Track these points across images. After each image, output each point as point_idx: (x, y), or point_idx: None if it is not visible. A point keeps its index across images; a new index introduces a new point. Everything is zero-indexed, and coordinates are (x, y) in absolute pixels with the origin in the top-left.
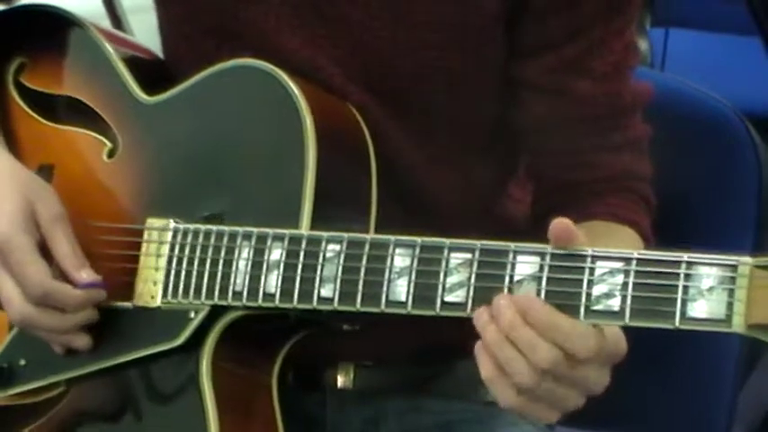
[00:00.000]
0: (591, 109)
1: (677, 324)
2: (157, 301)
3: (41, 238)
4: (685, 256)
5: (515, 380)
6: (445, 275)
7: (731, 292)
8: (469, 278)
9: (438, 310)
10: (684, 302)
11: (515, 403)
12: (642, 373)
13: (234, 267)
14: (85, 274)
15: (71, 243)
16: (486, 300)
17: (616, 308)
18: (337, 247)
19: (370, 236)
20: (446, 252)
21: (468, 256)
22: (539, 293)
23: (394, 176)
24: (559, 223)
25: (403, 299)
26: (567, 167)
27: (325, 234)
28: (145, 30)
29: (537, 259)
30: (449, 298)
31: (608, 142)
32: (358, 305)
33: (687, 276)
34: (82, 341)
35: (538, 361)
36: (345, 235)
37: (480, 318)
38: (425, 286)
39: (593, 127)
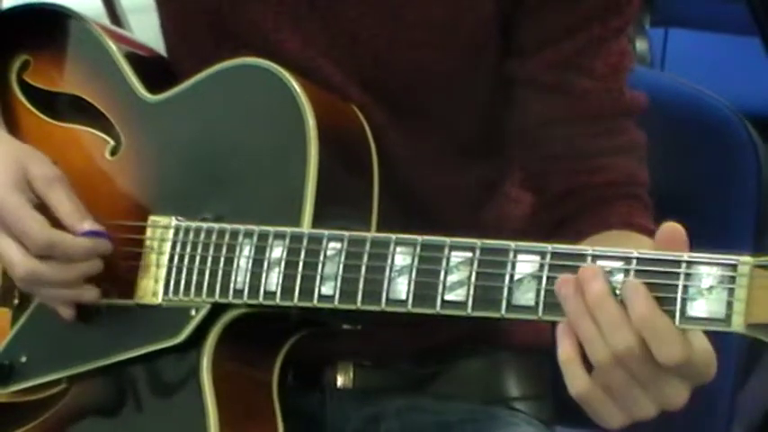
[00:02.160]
0: (592, 107)
1: (677, 323)
2: (159, 299)
3: (38, 200)
4: (685, 256)
5: (591, 358)
6: (446, 274)
7: (731, 292)
8: (470, 277)
9: (438, 308)
10: (684, 302)
11: (587, 391)
12: None
13: (235, 265)
14: (88, 225)
15: (72, 200)
16: (487, 299)
17: None
18: (338, 246)
19: (371, 234)
20: (447, 250)
21: (469, 254)
22: (539, 293)
23: (393, 176)
24: (670, 228)
25: (403, 297)
26: (573, 172)
27: (326, 232)
28: (145, 30)
29: (537, 258)
30: (449, 296)
31: (612, 144)
32: (358, 303)
33: (687, 276)
34: (90, 294)
35: (616, 342)
36: (346, 233)
37: (565, 287)
38: (426, 285)
39: (596, 127)
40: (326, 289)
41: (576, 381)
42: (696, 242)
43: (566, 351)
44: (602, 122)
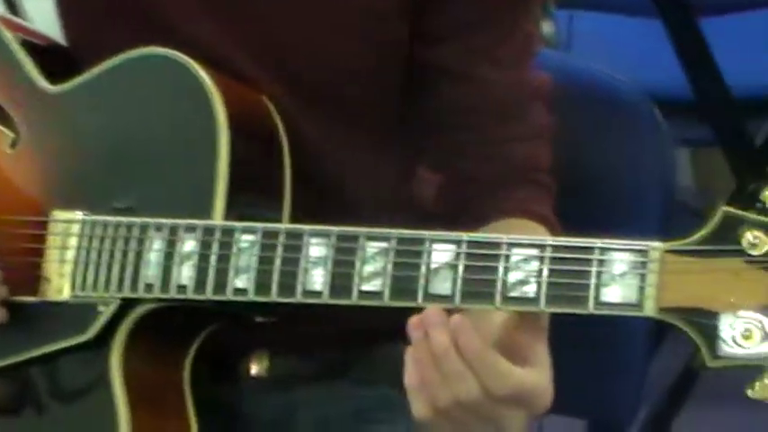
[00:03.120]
0: (498, 96)
1: (591, 309)
2: (65, 295)
3: None
4: (598, 243)
5: (434, 403)
6: (362, 264)
7: (642, 277)
8: (386, 267)
9: (355, 299)
10: (598, 288)
11: (427, 419)
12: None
13: (145, 259)
14: None
15: None
16: (403, 289)
17: (532, 294)
18: (252, 238)
19: (286, 225)
20: (362, 241)
21: (385, 244)
22: (455, 282)
23: (306, 165)
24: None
25: (319, 288)
26: (475, 158)
27: (239, 224)
28: (43, 16)
29: (453, 247)
30: (366, 287)
31: (515, 131)
32: (274, 296)
33: (600, 262)
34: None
35: (459, 393)
36: (260, 225)
37: (415, 330)
38: (342, 276)
39: (500, 116)
40: (241, 282)
41: (419, 409)
42: (605, 227)
43: (411, 380)
44: (507, 110)
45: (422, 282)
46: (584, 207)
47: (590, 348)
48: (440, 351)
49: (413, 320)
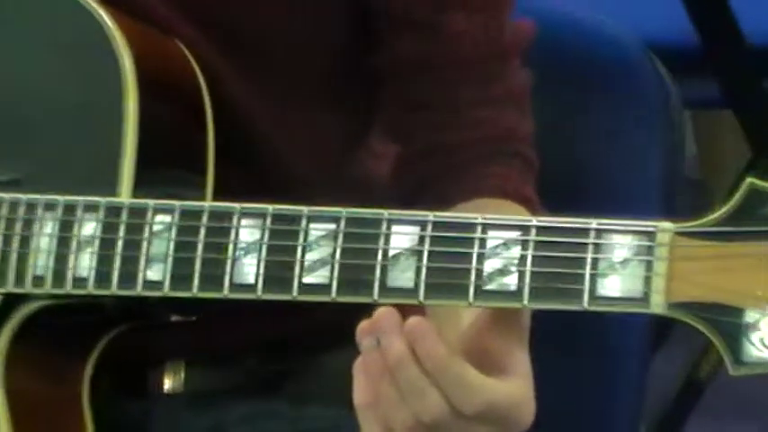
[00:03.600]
0: (465, 50)
1: (586, 305)
2: None
3: None
4: (594, 223)
5: (389, 424)
6: (304, 251)
7: (649, 265)
8: (334, 254)
9: (296, 293)
10: (594, 278)
11: None
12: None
13: (34, 246)
14: None
15: None
16: (355, 281)
17: (513, 287)
18: (168, 219)
19: (209, 203)
20: (304, 222)
21: (332, 226)
22: (419, 272)
23: (232, 131)
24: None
25: (252, 281)
26: (441, 126)
27: (151, 202)
28: None
29: (416, 229)
30: (309, 279)
31: (487, 95)
32: (195, 290)
33: (596, 247)
34: None
35: (421, 412)
36: (177, 203)
37: (365, 337)
38: (280, 265)
39: (470, 74)
40: (154, 273)
41: (374, 429)
42: (598, 206)
43: (362, 394)
44: (475, 68)
45: (378, 272)
46: (574, 181)
47: (580, 354)
48: (395, 361)
49: (362, 326)
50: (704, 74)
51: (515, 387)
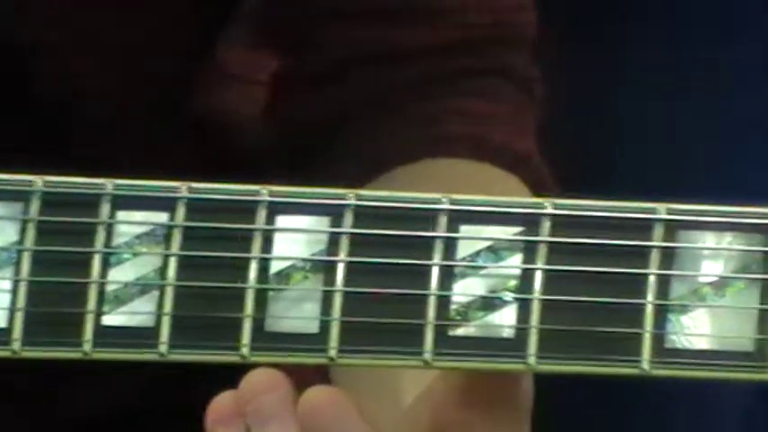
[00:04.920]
0: None
1: (646, 366)
2: None
3: None
4: (663, 210)
5: None
6: (106, 265)
7: (766, 290)
8: (163, 271)
9: (88, 349)
10: (662, 315)
11: None
12: None
13: None
14: None
15: None
16: (196, 327)
17: (507, 332)
18: None
19: None
20: (106, 209)
21: (164, 216)
22: (327, 302)
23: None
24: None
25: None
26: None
27: None
28: None
29: (321, 221)
30: (112, 319)
31: None
32: None
33: (666, 257)
34: None
35: None
36: None
37: (221, 424)
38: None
39: None
40: None
41: None
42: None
43: None
44: None
45: (248, 305)
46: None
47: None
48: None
49: (218, 402)
50: None
51: None
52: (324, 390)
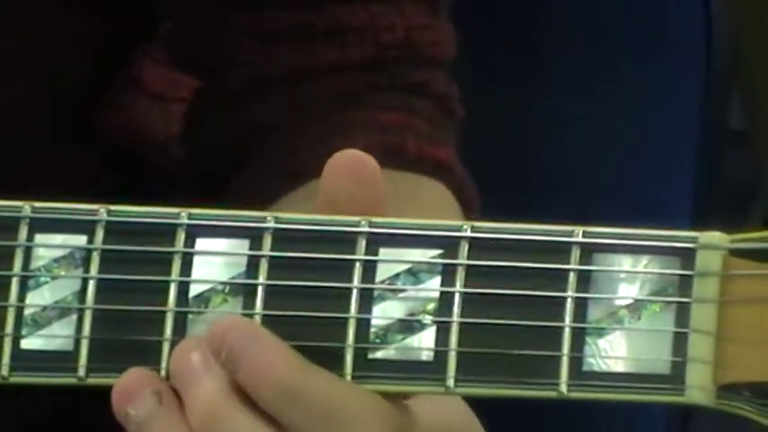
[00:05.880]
0: None
1: (564, 389)
2: None
3: None
4: (580, 232)
5: None
6: (24, 287)
7: (681, 313)
8: (82, 296)
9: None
10: (580, 338)
11: None
12: None
13: None
14: None
15: None
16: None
17: (426, 355)
18: None
19: None
20: (24, 232)
21: (83, 239)
22: None
23: None
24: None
25: None
26: (273, 40)
27: None
28: None
29: (239, 244)
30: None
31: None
32: None
33: (583, 279)
34: None
35: None
36: None
37: (128, 401)
38: None
39: None
40: None
41: None
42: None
43: None
44: None
45: (166, 328)
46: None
47: None
48: (207, 414)
49: (126, 379)
50: None
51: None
52: (232, 318)
